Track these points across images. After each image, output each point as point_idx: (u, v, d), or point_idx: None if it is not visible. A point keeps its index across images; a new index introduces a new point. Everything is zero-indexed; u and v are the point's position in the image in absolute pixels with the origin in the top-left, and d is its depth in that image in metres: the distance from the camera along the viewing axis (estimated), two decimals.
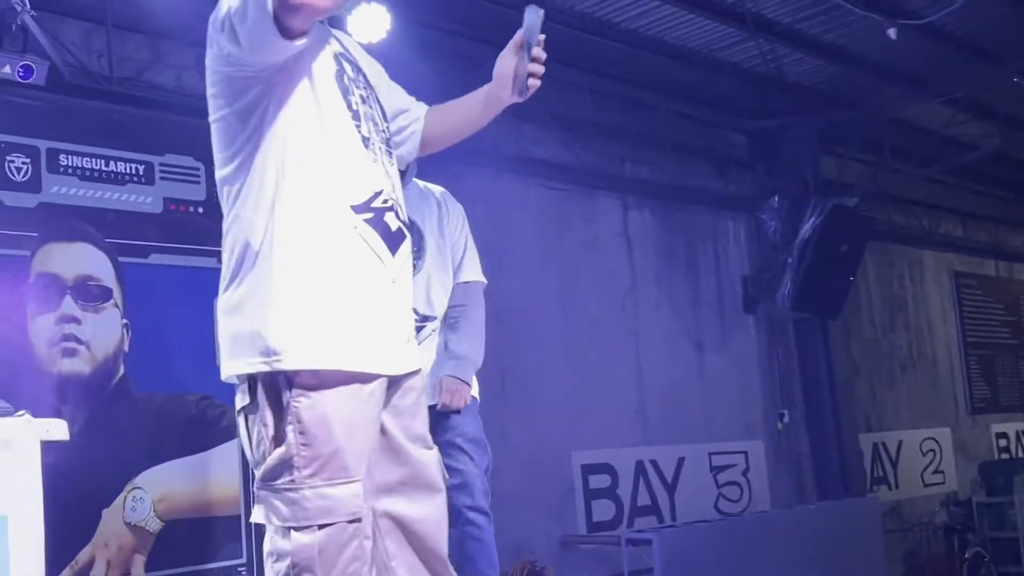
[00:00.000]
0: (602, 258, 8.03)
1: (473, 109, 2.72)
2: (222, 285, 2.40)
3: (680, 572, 6.61)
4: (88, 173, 5.30)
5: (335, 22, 2.70)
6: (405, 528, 2.43)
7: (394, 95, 2.73)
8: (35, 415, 3.50)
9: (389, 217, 2.40)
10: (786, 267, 8.73)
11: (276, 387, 2.26)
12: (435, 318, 4.03)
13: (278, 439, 2.26)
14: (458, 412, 3.97)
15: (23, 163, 5.11)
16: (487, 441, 4.11)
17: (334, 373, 2.26)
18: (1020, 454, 11.67)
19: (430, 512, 2.47)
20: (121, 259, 5.34)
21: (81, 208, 5.27)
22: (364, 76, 2.56)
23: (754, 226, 9.11)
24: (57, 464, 4.32)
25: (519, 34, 2.53)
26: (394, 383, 2.43)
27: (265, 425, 2.28)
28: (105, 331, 5.26)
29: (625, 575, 6.81)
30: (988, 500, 10.29)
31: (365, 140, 2.42)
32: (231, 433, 5.56)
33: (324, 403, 2.25)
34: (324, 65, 2.40)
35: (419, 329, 2.79)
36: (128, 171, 5.44)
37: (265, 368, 2.26)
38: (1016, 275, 12.67)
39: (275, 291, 2.28)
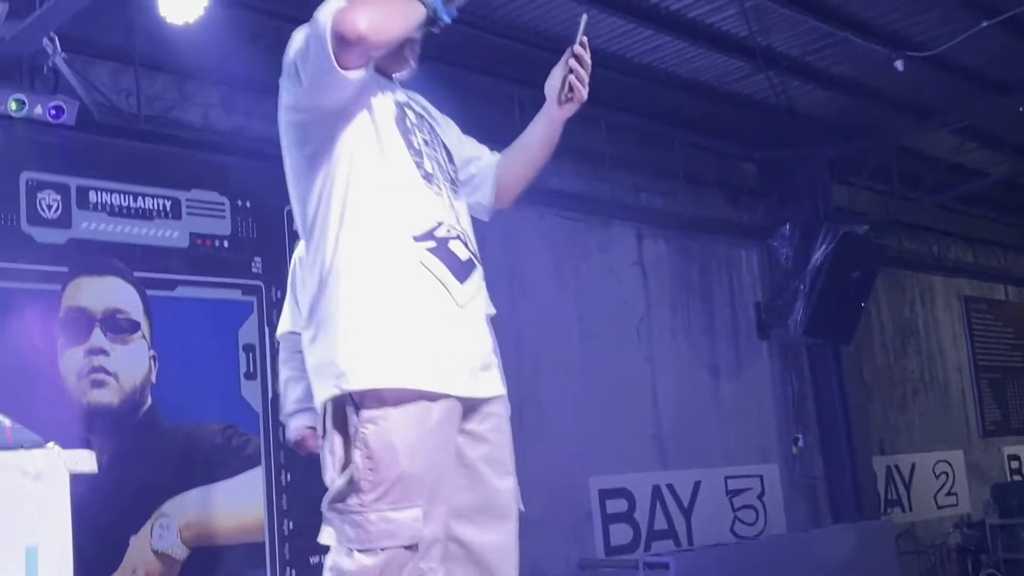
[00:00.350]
0: (618, 286, 8.03)
1: (535, 136, 2.76)
2: (303, 321, 2.50)
3: None
4: (117, 209, 5.33)
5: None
6: (472, 555, 2.44)
7: (465, 145, 2.78)
8: (65, 445, 3.51)
9: (455, 246, 2.43)
10: (798, 294, 8.70)
11: (345, 413, 2.31)
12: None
13: (346, 463, 2.29)
14: None
15: (54, 200, 5.15)
16: None
17: (397, 394, 2.28)
18: None
19: (499, 541, 2.47)
20: (149, 292, 5.36)
21: (110, 243, 5.30)
22: (429, 123, 2.63)
23: (767, 254, 9.08)
24: (86, 493, 4.34)
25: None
26: (472, 408, 2.44)
27: (333, 451, 2.33)
28: (133, 363, 5.28)
29: None
30: (1001, 522, 10.19)
31: (428, 176, 2.47)
32: (255, 461, 5.58)
33: (390, 429, 2.27)
34: (385, 109, 2.48)
35: None
36: (156, 207, 5.47)
37: (336, 391, 2.31)
38: None
39: (341, 319, 2.34)
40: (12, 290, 4.95)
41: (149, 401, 5.30)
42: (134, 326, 5.31)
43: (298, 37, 2.38)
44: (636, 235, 8.23)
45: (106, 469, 4.89)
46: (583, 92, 2.62)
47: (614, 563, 7.35)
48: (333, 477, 2.32)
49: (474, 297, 2.46)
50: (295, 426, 3.75)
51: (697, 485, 8.18)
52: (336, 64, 2.24)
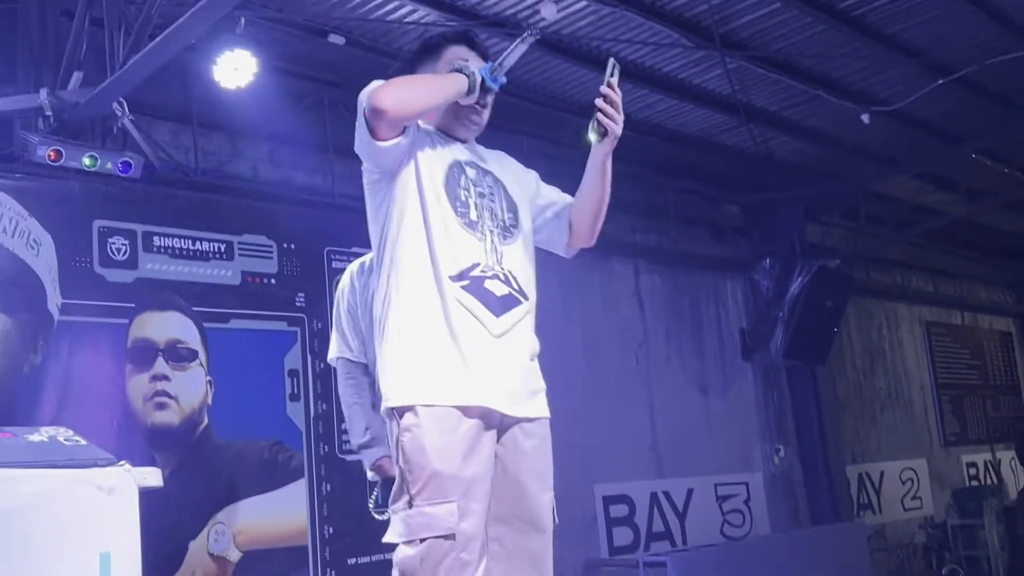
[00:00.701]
0: (618, 315, 8.03)
1: (587, 175, 2.72)
2: None
3: None
4: (177, 252, 5.35)
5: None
6: (511, 556, 2.45)
7: (543, 193, 2.79)
8: (132, 461, 3.52)
9: (491, 284, 2.47)
10: (778, 321, 8.73)
11: (391, 425, 2.39)
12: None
13: (396, 468, 2.37)
14: None
15: (122, 244, 5.17)
16: None
17: (428, 409, 2.33)
18: (988, 482, 11.50)
19: (536, 548, 2.48)
20: (205, 324, 5.37)
21: (171, 282, 5.31)
22: (493, 175, 2.65)
23: (749, 286, 9.10)
24: (151, 503, 4.35)
25: None
26: (512, 425, 2.46)
27: (391, 458, 2.44)
28: (192, 387, 5.28)
29: None
30: (961, 522, 10.16)
31: (471, 224, 2.50)
32: (299, 473, 5.57)
33: (421, 435, 2.32)
34: (437, 167, 2.53)
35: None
36: (211, 249, 5.49)
37: (385, 407, 2.41)
38: (980, 324, 12.56)
39: (388, 348, 2.44)
40: (86, 323, 4.96)
41: (206, 421, 5.30)
42: (193, 355, 5.31)
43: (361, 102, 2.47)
44: (634, 270, 8.24)
45: (168, 482, 4.86)
46: (615, 128, 2.57)
47: (617, 562, 7.32)
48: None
49: (512, 328, 2.47)
50: (370, 460, 3.63)
51: (690, 492, 8.15)
52: (371, 135, 2.37)
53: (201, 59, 5.21)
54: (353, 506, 5.24)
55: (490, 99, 2.63)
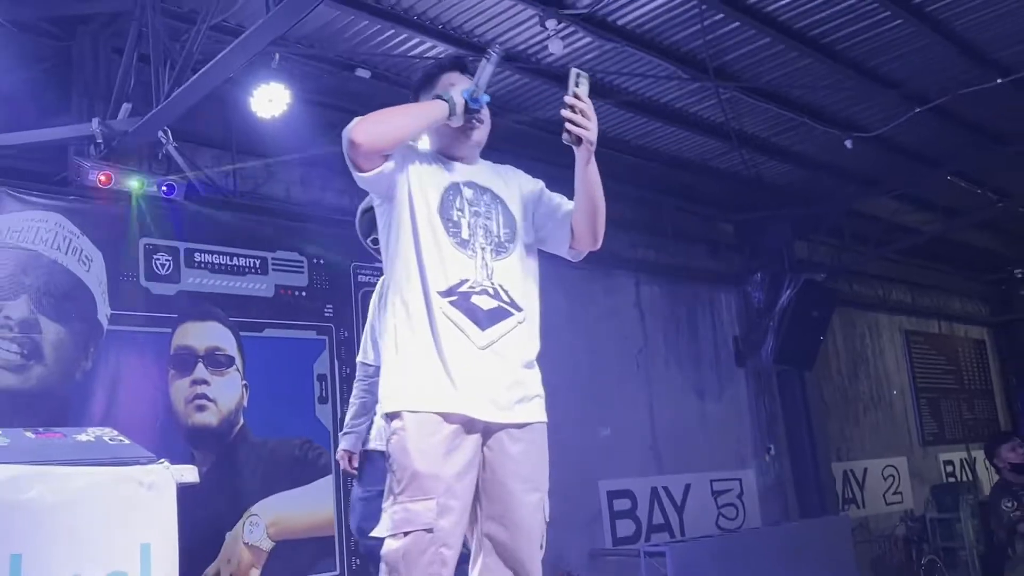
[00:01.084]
0: (620, 324, 7.99)
1: (576, 182, 2.64)
2: None
3: None
4: (216, 267, 5.36)
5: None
6: (498, 550, 2.41)
7: (547, 202, 2.73)
8: (172, 458, 3.50)
9: (478, 299, 2.43)
10: (768, 330, 8.68)
11: (386, 428, 2.39)
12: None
13: (383, 460, 2.42)
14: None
15: (166, 260, 5.18)
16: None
17: (412, 415, 2.33)
18: (964, 478, 11.40)
19: (521, 543, 2.42)
20: (242, 333, 5.38)
21: (211, 294, 5.33)
22: (491, 194, 2.61)
23: (742, 297, 9.05)
24: (191, 497, 4.33)
25: None
26: (500, 430, 2.42)
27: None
28: (229, 390, 5.29)
29: None
30: (939, 516, 10.05)
31: (463, 242, 2.48)
32: (327, 470, 5.56)
33: (405, 438, 2.32)
34: (429, 190, 2.51)
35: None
36: (247, 264, 5.49)
37: (379, 415, 2.44)
38: (956, 333, 12.46)
39: (385, 359, 2.46)
40: (133, 332, 4.98)
41: (242, 421, 5.30)
42: (230, 361, 5.32)
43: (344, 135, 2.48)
44: (634, 282, 8.21)
45: (207, 477, 4.89)
46: (587, 134, 2.47)
47: (620, 552, 7.27)
48: None
49: (499, 340, 2.43)
50: (341, 446, 3.85)
51: (688, 487, 8.09)
52: (351, 165, 2.40)
53: (239, 91, 5.22)
54: None
55: (485, 116, 2.60)
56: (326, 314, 5.77)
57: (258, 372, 5.40)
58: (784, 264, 8.84)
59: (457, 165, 2.61)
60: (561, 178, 7.87)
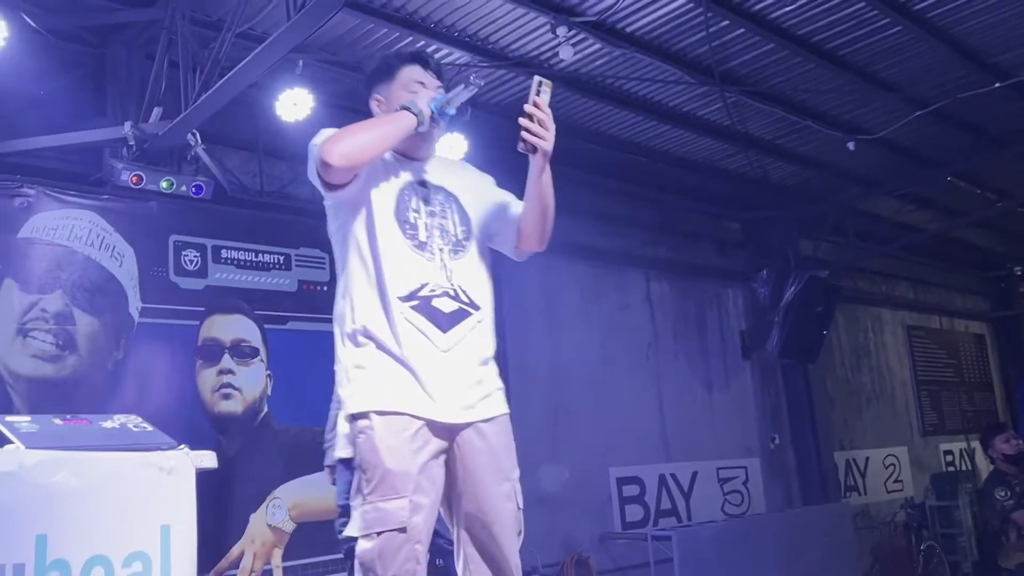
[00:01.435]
0: (631, 319, 7.93)
1: (528, 186, 2.52)
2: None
3: (694, 562, 6.46)
4: (242, 263, 5.35)
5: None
6: (475, 540, 2.37)
7: (497, 201, 2.62)
8: (199, 445, 3.50)
9: (440, 301, 2.36)
10: (774, 324, 8.59)
11: (348, 429, 2.33)
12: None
13: (353, 469, 2.30)
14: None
15: (194, 256, 5.18)
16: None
17: (380, 414, 2.26)
18: (963, 467, 11.27)
19: (496, 530, 2.38)
20: (266, 326, 5.37)
21: (237, 289, 5.32)
22: (444, 192, 2.52)
23: (748, 293, 8.97)
24: (218, 481, 4.35)
25: None
26: (464, 428, 2.36)
27: (349, 457, 2.39)
28: (254, 380, 5.28)
29: (651, 564, 6.66)
30: (938, 504, 9.96)
31: (421, 245, 2.39)
32: None
33: (374, 436, 2.24)
34: (387, 194, 2.41)
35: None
36: (272, 261, 5.48)
37: (342, 417, 2.41)
38: (957, 328, 12.30)
39: (344, 361, 2.35)
40: (162, 325, 4.98)
41: (265, 409, 5.29)
42: (255, 352, 5.31)
43: (312, 151, 2.37)
44: (645, 278, 8.14)
45: (232, 462, 4.93)
46: (542, 143, 2.35)
47: (628, 536, 7.22)
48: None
49: (461, 341, 2.37)
50: (328, 460, 3.83)
51: (695, 474, 8.02)
52: (322, 184, 2.29)
53: (266, 96, 5.21)
54: None
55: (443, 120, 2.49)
56: None
57: (281, 363, 5.38)
58: (789, 261, 8.74)
59: (410, 163, 2.51)
60: (577, 180, 7.84)
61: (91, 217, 4.80)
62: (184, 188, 4.93)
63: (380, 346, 2.30)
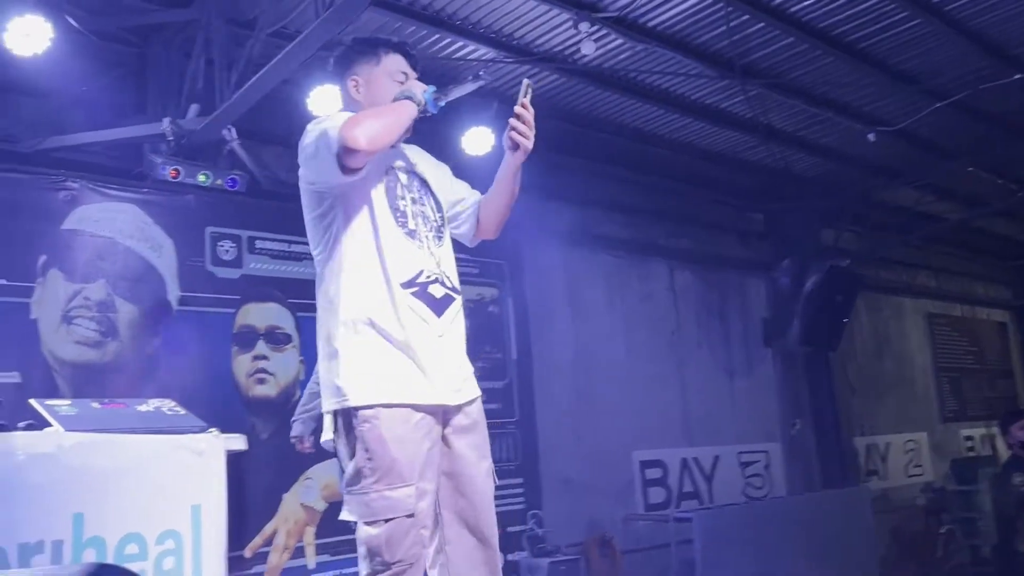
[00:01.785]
0: (655, 308, 7.87)
1: (499, 180, 2.57)
2: (318, 347, 2.40)
3: (715, 544, 6.40)
4: (276, 253, 5.38)
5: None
6: (465, 518, 2.37)
7: (455, 188, 2.64)
8: (234, 428, 3.55)
9: (433, 288, 2.36)
10: (795, 313, 8.48)
11: (348, 419, 2.25)
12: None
13: (352, 456, 2.24)
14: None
15: (230, 247, 5.22)
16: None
17: (386, 406, 2.23)
18: (984, 453, 11.07)
19: (478, 504, 2.39)
20: (299, 314, 5.38)
21: (271, 278, 5.35)
22: (419, 177, 2.51)
23: (771, 282, 8.85)
24: (252, 462, 4.38)
25: None
26: (455, 411, 2.37)
27: (345, 447, 2.27)
28: (287, 365, 5.31)
29: (672, 544, 6.62)
30: (958, 488, 9.75)
31: (411, 232, 2.38)
32: None
33: (380, 427, 2.22)
34: (377, 181, 2.38)
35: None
36: (305, 251, 5.25)
37: (339, 406, 2.26)
38: (978, 316, 12.08)
39: (343, 351, 2.28)
40: (199, 312, 5.03)
41: (298, 393, 5.26)
42: (288, 338, 5.34)
43: (310, 133, 2.30)
44: (668, 268, 8.07)
45: (266, 444, 4.97)
46: (527, 143, 2.42)
47: (651, 517, 7.19)
48: (345, 467, 2.26)
49: (451, 326, 2.38)
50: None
51: (716, 458, 7.97)
52: (340, 168, 2.19)
53: (298, 92, 5.20)
54: None
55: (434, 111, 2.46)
56: None
57: (314, 349, 5.25)
58: (811, 251, 8.62)
59: (391, 150, 2.45)
60: (600, 173, 7.77)
61: (132, 209, 4.86)
62: (220, 181, 4.95)
63: (381, 333, 2.27)
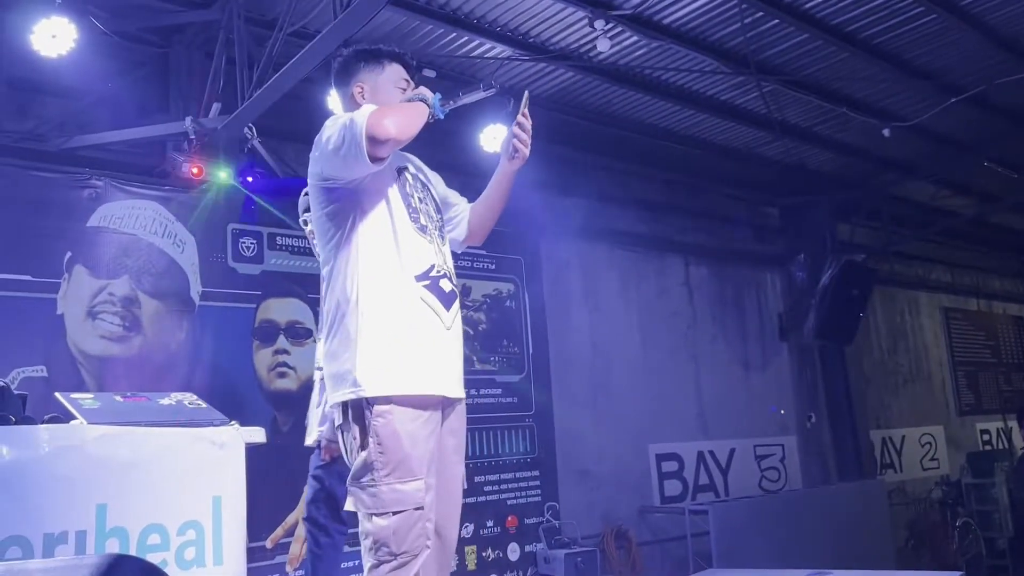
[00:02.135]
0: (670, 302, 7.84)
1: (493, 187, 2.63)
2: (324, 338, 2.41)
3: (730, 536, 6.37)
4: (296, 249, 5.36)
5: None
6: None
7: (448, 195, 2.69)
8: (256, 421, 3.56)
9: (443, 283, 2.40)
10: (811, 307, 8.42)
11: (360, 410, 2.25)
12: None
13: (362, 448, 2.24)
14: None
15: (251, 243, 5.23)
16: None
17: (400, 397, 2.24)
18: (1000, 446, 10.96)
19: (450, 509, 2.41)
20: (318, 309, 5.37)
21: (291, 274, 5.34)
22: (422, 180, 2.56)
23: (786, 277, 8.80)
24: (273, 454, 4.38)
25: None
26: (448, 405, 2.39)
27: (354, 438, 2.26)
28: (307, 359, 5.26)
29: (688, 537, 6.60)
30: (974, 481, 9.65)
31: (422, 228, 2.42)
32: None
33: (394, 421, 2.22)
34: (390, 176, 2.42)
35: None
36: None
37: (352, 396, 2.25)
38: (995, 310, 11.96)
39: (358, 342, 2.28)
40: (221, 308, 5.04)
41: None
42: (308, 333, 5.33)
43: (331, 127, 2.31)
44: (684, 263, 8.03)
45: (287, 436, 4.98)
46: (526, 152, 2.50)
47: (667, 509, 7.16)
48: (352, 458, 2.27)
49: (456, 319, 2.42)
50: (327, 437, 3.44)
51: (732, 451, 7.92)
52: (367, 157, 2.20)
53: (318, 91, 5.20)
54: None
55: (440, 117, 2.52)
56: None
57: None
58: (826, 246, 8.55)
59: (400, 153, 2.52)
60: (616, 169, 7.73)
61: (155, 207, 4.88)
62: (241, 179, 4.96)
63: (396, 323, 2.28)
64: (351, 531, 2.59)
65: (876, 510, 7.78)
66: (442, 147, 2.66)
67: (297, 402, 5.18)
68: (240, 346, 5.04)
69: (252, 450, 3.21)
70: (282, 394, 5.16)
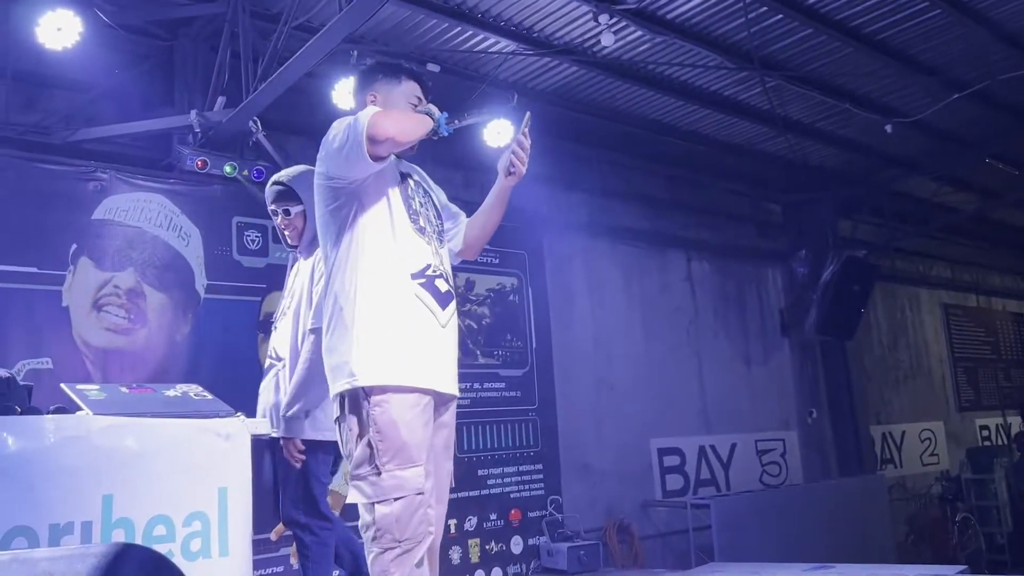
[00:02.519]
0: (673, 297, 7.81)
1: (490, 202, 2.67)
2: (323, 332, 2.46)
3: (731, 530, 6.38)
4: None
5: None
6: None
7: (447, 208, 2.76)
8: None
9: (439, 282, 2.45)
10: (812, 302, 8.41)
11: (357, 401, 2.28)
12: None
13: (360, 438, 2.26)
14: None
15: (256, 236, 5.20)
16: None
17: (396, 387, 2.27)
18: (999, 442, 10.94)
19: (439, 507, 2.43)
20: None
21: None
22: (424, 187, 2.64)
23: (788, 272, 8.79)
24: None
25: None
26: (441, 401, 2.42)
27: (351, 429, 2.29)
28: None
29: (690, 530, 6.60)
30: (974, 476, 9.69)
31: (421, 230, 2.48)
32: None
33: (391, 410, 2.26)
34: (393, 179, 2.49)
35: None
36: None
37: (349, 387, 2.29)
38: (995, 306, 11.94)
39: (355, 334, 2.34)
40: (226, 300, 5.01)
41: None
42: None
43: (336, 128, 2.39)
44: (686, 259, 8.01)
45: None
46: (523, 169, 2.55)
47: (668, 503, 7.15)
48: (351, 449, 2.29)
49: (451, 319, 2.46)
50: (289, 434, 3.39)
51: (734, 446, 7.90)
52: (367, 155, 2.28)
53: (323, 85, 5.20)
54: None
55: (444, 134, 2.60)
56: None
57: None
58: (828, 242, 8.53)
59: (401, 160, 2.59)
60: (619, 164, 7.69)
61: (160, 199, 4.85)
62: (246, 172, 4.95)
63: (392, 318, 2.33)
64: (349, 524, 2.58)
65: (876, 505, 7.78)
66: (445, 142, 2.66)
67: None
68: (245, 339, 5.01)
69: (256, 442, 3.19)
70: None
